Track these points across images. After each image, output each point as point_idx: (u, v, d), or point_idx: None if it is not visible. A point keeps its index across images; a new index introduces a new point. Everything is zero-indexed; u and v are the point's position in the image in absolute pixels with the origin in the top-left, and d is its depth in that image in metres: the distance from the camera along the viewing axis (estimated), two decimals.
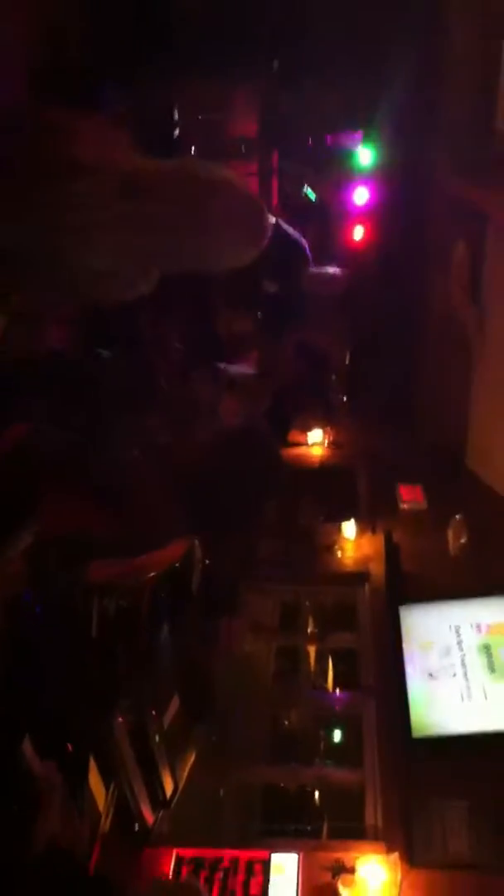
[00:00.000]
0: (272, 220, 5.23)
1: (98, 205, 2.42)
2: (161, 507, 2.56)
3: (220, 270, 3.12)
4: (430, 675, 5.40)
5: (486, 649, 5.44)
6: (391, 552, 6.34)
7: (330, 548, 6.71)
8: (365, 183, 7.04)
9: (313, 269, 5.57)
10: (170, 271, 2.78)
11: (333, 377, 7.88)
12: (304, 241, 5.47)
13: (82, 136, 2.47)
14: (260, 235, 2.93)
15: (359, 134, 7.22)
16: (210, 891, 4.17)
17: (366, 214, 7.03)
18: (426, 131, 6.59)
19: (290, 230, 5.41)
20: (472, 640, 5.51)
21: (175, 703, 4.38)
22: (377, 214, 7.06)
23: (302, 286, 5.46)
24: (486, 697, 5.21)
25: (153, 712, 4.06)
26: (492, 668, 5.34)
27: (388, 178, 7.05)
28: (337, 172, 7.32)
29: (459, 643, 5.52)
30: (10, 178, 2.31)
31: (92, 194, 2.41)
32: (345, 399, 8.39)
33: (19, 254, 2.37)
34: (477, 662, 5.39)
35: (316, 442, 7.83)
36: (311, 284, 5.51)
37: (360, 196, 7.01)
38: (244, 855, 4.42)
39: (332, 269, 5.68)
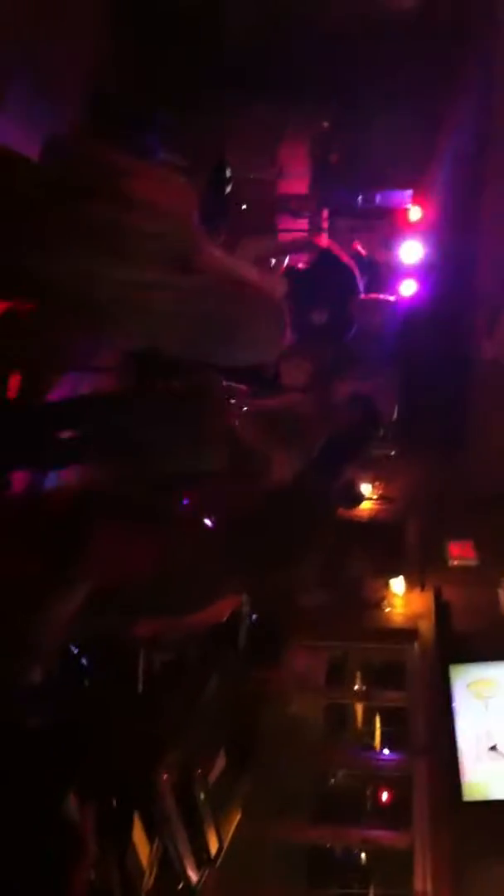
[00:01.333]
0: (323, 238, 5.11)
1: (152, 263, 2.45)
2: (209, 562, 2.56)
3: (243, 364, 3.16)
4: (478, 736, 5.29)
5: None
6: (441, 609, 6.24)
7: (378, 603, 6.64)
8: (415, 238, 7.07)
9: (363, 296, 5.47)
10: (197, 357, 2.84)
11: (382, 431, 7.86)
12: (354, 268, 5.39)
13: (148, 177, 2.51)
14: (279, 338, 2.96)
15: (408, 190, 7.28)
16: None
17: (415, 270, 7.04)
18: (475, 186, 6.62)
19: (341, 255, 5.33)
20: None
21: (221, 759, 4.34)
22: (427, 269, 7.06)
23: (351, 312, 5.35)
24: None
25: (199, 770, 4.02)
26: None
27: (438, 233, 7.07)
28: (387, 229, 7.37)
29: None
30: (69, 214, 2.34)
31: (154, 250, 2.43)
32: (393, 453, 8.36)
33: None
34: None
35: (365, 496, 7.78)
36: (361, 311, 5.40)
37: (410, 251, 7.03)
38: None
39: (382, 296, 5.59)
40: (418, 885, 4.76)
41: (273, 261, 5.10)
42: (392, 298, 5.67)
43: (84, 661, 3.56)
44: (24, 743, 3.15)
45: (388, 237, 7.34)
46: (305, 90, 6.62)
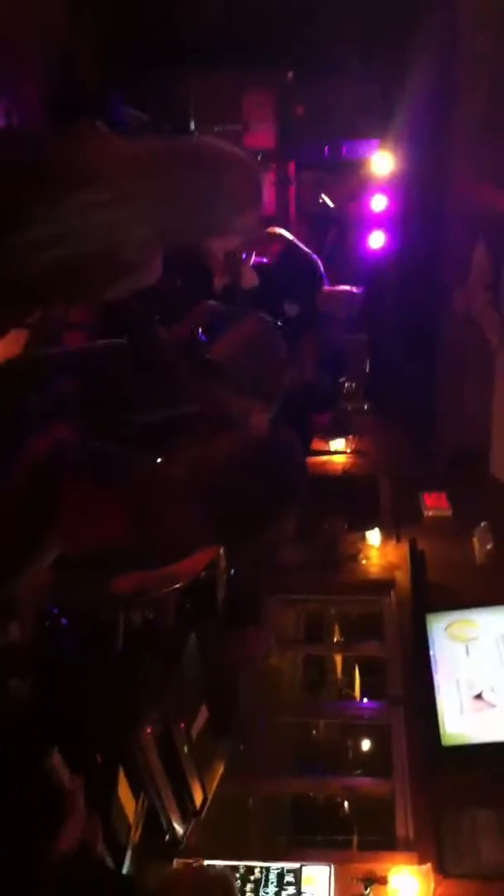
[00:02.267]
0: (282, 231, 5.25)
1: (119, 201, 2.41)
2: (183, 517, 2.55)
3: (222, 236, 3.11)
4: (458, 682, 5.35)
5: None
6: (416, 560, 6.29)
7: (354, 557, 6.68)
8: (382, 190, 7.04)
9: (328, 288, 5.54)
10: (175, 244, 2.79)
11: (353, 385, 7.88)
12: (317, 260, 5.45)
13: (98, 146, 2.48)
14: (258, 196, 2.92)
15: (375, 141, 7.23)
16: None
17: (384, 221, 7.02)
18: (443, 135, 6.57)
19: (303, 248, 5.40)
20: (499, 648, 5.47)
21: (203, 715, 4.36)
22: (395, 220, 7.04)
23: (317, 305, 5.43)
24: None
25: (181, 724, 4.05)
26: None
27: (405, 183, 7.04)
28: (354, 180, 7.33)
29: (487, 651, 5.47)
30: (38, 187, 2.30)
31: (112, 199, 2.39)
32: (366, 407, 8.38)
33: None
34: None
35: (338, 450, 7.82)
36: (327, 304, 5.48)
37: (378, 203, 7.00)
38: (275, 866, 4.38)
39: (347, 288, 5.65)
40: (400, 830, 4.83)
41: (243, 255, 5.08)
42: (357, 291, 5.72)
43: (63, 620, 3.55)
44: (5, 702, 3.16)
45: (356, 189, 7.31)
46: (268, 43, 6.56)
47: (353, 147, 7.36)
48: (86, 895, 2.90)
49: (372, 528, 6.81)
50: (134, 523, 2.46)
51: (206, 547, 2.77)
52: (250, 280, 4.74)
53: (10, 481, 2.47)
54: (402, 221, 7.13)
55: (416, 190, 7.10)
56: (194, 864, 4.04)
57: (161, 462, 2.82)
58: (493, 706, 5.21)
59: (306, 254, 5.28)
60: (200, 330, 3.77)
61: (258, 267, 5.10)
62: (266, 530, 2.82)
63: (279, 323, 4.78)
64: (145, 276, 2.66)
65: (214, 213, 2.71)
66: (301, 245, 5.27)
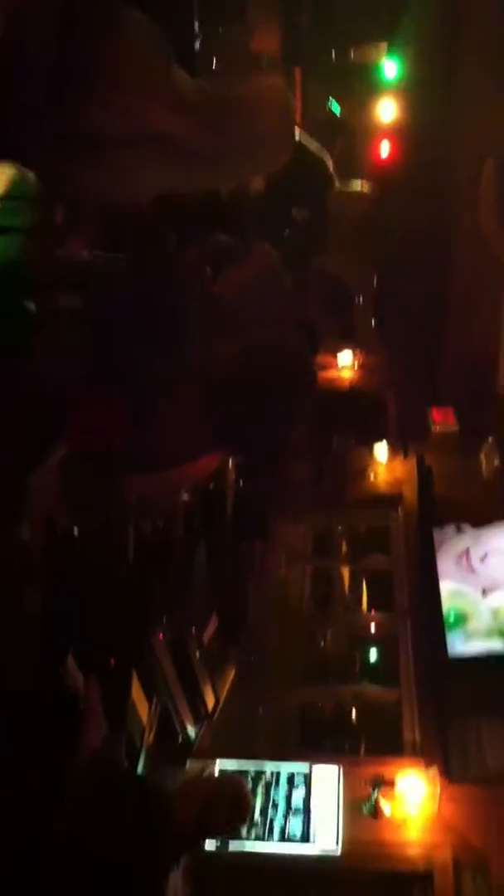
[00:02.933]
0: (296, 134, 5.07)
1: (140, 118, 2.39)
2: (190, 421, 2.54)
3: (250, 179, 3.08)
4: (462, 593, 5.39)
5: None
6: (424, 475, 6.31)
7: (362, 472, 6.70)
8: (391, 97, 6.86)
9: (338, 188, 5.39)
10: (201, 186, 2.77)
11: (360, 300, 7.80)
12: (328, 159, 5.30)
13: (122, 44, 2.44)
14: (286, 142, 2.91)
15: (383, 46, 7.02)
16: (254, 803, 4.22)
17: (392, 130, 6.86)
18: (452, 38, 6.38)
19: (313, 147, 5.25)
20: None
21: (213, 622, 4.43)
22: (403, 129, 6.87)
23: (326, 206, 5.30)
24: None
25: (192, 630, 4.11)
26: None
27: (414, 89, 6.86)
28: (362, 87, 7.14)
29: (493, 564, 5.49)
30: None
31: (135, 106, 2.36)
32: (374, 323, 8.31)
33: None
34: None
35: (345, 366, 7.76)
36: (337, 203, 5.33)
37: (386, 111, 6.83)
38: (286, 767, 4.47)
39: (357, 186, 5.50)
40: (407, 736, 4.92)
41: None
42: (367, 189, 5.55)
43: (74, 531, 3.58)
44: (19, 608, 3.19)
45: (364, 95, 7.13)
46: None
47: (360, 51, 7.16)
48: (105, 797, 2.96)
49: (379, 443, 6.79)
50: (140, 426, 2.45)
51: (213, 450, 2.76)
52: (256, 184, 4.59)
53: (15, 385, 2.45)
54: (411, 129, 6.95)
55: (425, 97, 6.92)
56: (207, 772, 4.12)
57: (166, 365, 2.79)
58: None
59: (315, 153, 5.09)
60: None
61: None
62: (273, 435, 2.80)
63: (287, 231, 4.71)
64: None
65: (252, 159, 2.70)
66: (311, 143, 5.07)
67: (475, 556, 5.47)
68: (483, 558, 5.45)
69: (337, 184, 5.39)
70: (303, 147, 5.11)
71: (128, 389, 2.52)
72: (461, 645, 5.18)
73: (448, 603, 5.33)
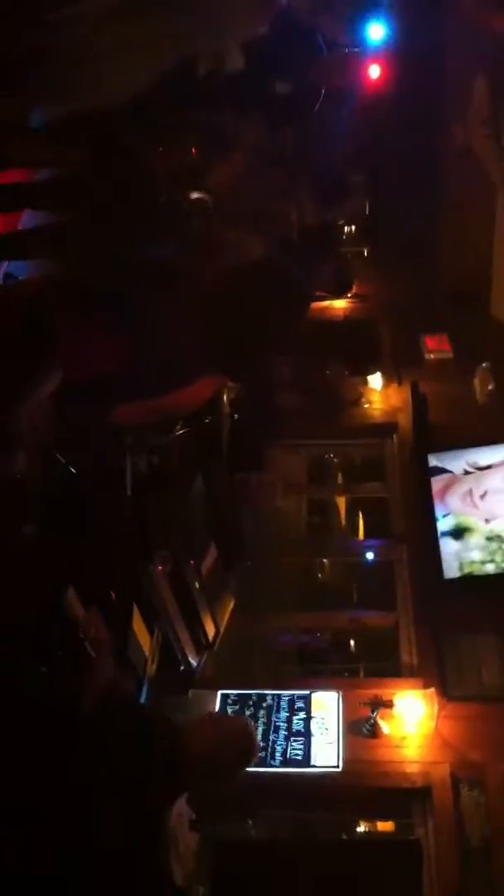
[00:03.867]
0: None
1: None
2: (183, 344, 2.52)
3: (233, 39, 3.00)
4: (467, 516, 5.46)
5: None
6: (418, 402, 6.30)
7: (356, 401, 6.69)
8: (379, 15, 6.65)
9: (326, 57, 4.99)
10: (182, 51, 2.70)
11: (353, 228, 7.72)
12: (315, 28, 4.89)
13: None
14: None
15: None
16: (255, 727, 4.33)
17: (381, 52, 6.67)
18: None
19: (299, 16, 4.80)
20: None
21: (212, 553, 4.48)
22: (394, 50, 6.69)
23: (313, 79, 4.90)
24: None
25: (191, 561, 4.15)
26: None
27: (404, 10, 6.66)
28: (349, 7, 6.92)
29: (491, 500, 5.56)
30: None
31: None
32: (366, 253, 8.23)
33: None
34: None
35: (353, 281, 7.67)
36: (324, 74, 4.91)
37: (376, 32, 6.64)
38: (287, 693, 4.57)
39: (347, 53, 5.16)
40: (404, 658, 5.03)
41: None
42: (357, 50, 5.17)
43: (71, 468, 3.59)
44: (19, 543, 3.22)
45: (352, 16, 6.91)
46: None
47: None
48: (117, 727, 3.01)
49: (373, 372, 6.79)
50: (131, 348, 2.44)
51: (206, 374, 2.73)
52: (235, 61, 4.16)
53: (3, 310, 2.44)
54: (400, 51, 6.78)
55: (413, 16, 6.73)
56: (213, 716, 4.18)
57: (160, 284, 2.76)
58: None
59: (301, 22, 4.59)
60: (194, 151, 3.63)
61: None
62: (266, 351, 2.79)
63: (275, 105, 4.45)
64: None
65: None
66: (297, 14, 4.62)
67: (476, 494, 5.55)
68: (483, 496, 5.54)
69: (323, 51, 4.95)
70: (287, 15, 4.64)
71: (120, 315, 2.51)
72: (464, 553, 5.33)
73: (453, 520, 5.43)
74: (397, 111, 7.25)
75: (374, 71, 6.64)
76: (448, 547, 5.34)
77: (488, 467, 5.66)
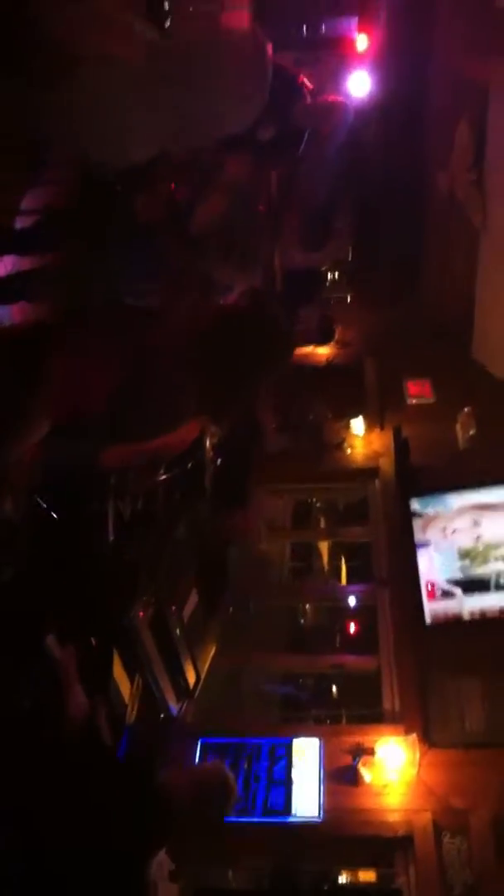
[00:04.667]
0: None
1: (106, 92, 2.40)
2: (169, 381, 2.54)
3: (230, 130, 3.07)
4: (438, 553, 5.46)
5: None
6: (400, 446, 6.32)
7: (339, 445, 6.72)
8: (363, 70, 6.81)
9: (310, 101, 5.06)
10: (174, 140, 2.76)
11: (336, 275, 7.81)
12: (301, 75, 4.98)
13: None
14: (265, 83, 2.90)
15: (354, 18, 6.98)
16: (236, 776, 4.28)
17: (366, 102, 6.82)
18: (423, 7, 6.34)
19: (282, 64, 4.88)
20: (481, 528, 5.56)
21: (194, 598, 4.46)
22: (376, 100, 6.84)
23: (296, 122, 4.96)
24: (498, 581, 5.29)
25: (173, 606, 4.14)
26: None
27: (386, 61, 6.82)
28: (334, 60, 7.08)
29: (470, 530, 5.56)
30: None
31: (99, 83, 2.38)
32: (349, 299, 8.32)
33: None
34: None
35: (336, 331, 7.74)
36: (308, 118, 4.97)
37: (359, 84, 6.79)
38: (267, 741, 4.54)
39: (331, 98, 5.23)
40: (387, 703, 4.99)
41: None
42: (342, 99, 5.25)
43: (54, 512, 3.59)
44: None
45: (336, 69, 7.07)
46: None
47: (332, 25, 7.12)
48: (92, 777, 2.99)
49: (357, 416, 6.82)
50: (121, 392, 2.45)
51: (191, 418, 2.75)
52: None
53: None
54: (384, 101, 6.93)
55: (396, 68, 6.89)
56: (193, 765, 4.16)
57: (146, 327, 2.79)
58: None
59: (283, 67, 4.71)
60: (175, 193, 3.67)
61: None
62: (249, 393, 2.81)
63: (258, 151, 4.50)
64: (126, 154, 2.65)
65: (224, 113, 2.68)
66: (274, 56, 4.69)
67: (448, 531, 5.59)
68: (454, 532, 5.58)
69: (306, 95, 5.01)
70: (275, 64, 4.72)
71: (109, 353, 2.53)
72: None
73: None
74: (381, 156, 7.38)
75: (359, 117, 6.80)
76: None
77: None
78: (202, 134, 2.85)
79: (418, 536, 5.58)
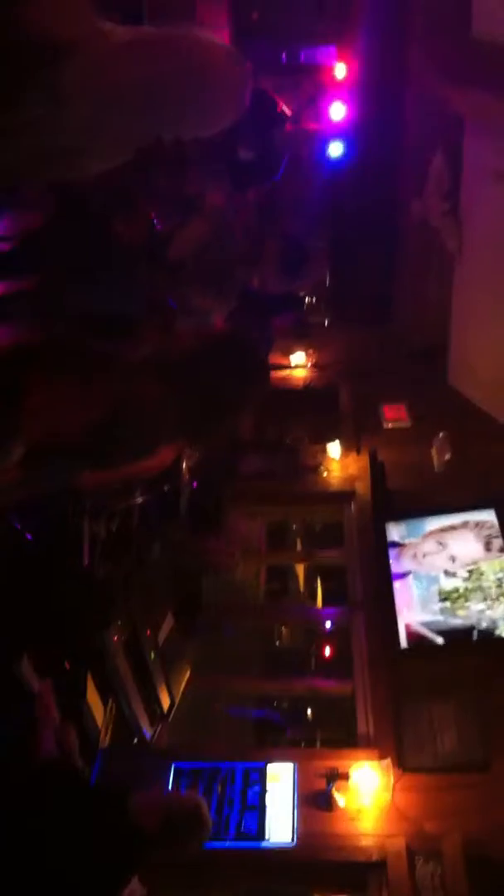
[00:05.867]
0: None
1: (69, 81, 2.39)
2: (147, 406, 2.55)
3: (203, 133, 3.08)
4: (413, 577, 5.48)
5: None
6: (376, 470, 6.37)
7: (316, 468, 6.74)
8: (340, 97, 6.90)
9: (291, 127, 5.13)
10: (146, 140, 2.75)
11: (313, 299, 7.86)
12: (280, 101, 5.07)
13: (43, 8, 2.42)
14: (242, 94, 2.90)
15: (332, 46, 7.07)
16: (209, 801, 4.27)
17: (342, 129, 6.90)
18: (399, 38, 6.43)
19: (263, 87, 4.98)
20: (452, 552, 5.60)
21: (169, 621, 4.46)
22: (353, 128, 6.92)
23: (276, 147, 5.06)
24: (466, 602, 5.31)
25: (148, 630, 4.14)
26: (471, 578, 5.43)
27: (363, 90, 6.91)
28: (312, 87, 7.17)
29: (441, 554, 5.60)
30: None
31: (62, 75, 2.37)
32: (326, 323, 8.38)
33: None
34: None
35: (299, 364, 7.84)
36: (288, 143, 5.02)
37: (337, 111, 6.88)
38: (241, 765, 4.52)
39: (311, 126, 5.30)
40: (361, 727, 4.99)
41: None
42: (318, 126, 5.32)
43: (28, 535, 3.59)
44: None
45: (314, 96, 7.15)
46: None
47: (310, 53, 7.21)
48: (62, 804, 2.98)
49: (333, 440, 6.86)
50: (97, 416, 2.46)
51: (168, 444, 2.77)
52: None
53: None
54: (360, 129, 7.01)
55: (373, 96, 6.98)
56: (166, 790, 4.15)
57: (123, 351, 2.80)
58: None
59: (263, 91, 4.77)
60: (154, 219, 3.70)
61: None
62: (226, 420, 2.83)
63: (237, 172, 4.55)
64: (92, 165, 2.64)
65: (196, 114, 2.68)
66: (264, 88, 4.80)
67: (419, 556, 5.62)
68: (424, 556, 5.62)
69: (287, 119, 5.09)
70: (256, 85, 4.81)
71: (86, 377, 2.53)
72: None
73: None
74: (357, 183, 7.46)
75: (336, 148, 6.90)
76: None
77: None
78: (167, 136, 2.84)
79: (395, 567, 5.61)
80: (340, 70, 7.01)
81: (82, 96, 2.44)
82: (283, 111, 4.86)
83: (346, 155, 7.15)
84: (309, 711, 5.79)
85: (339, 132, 6.87)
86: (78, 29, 2.45)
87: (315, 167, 5.42)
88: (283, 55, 7.21)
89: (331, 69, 6.99)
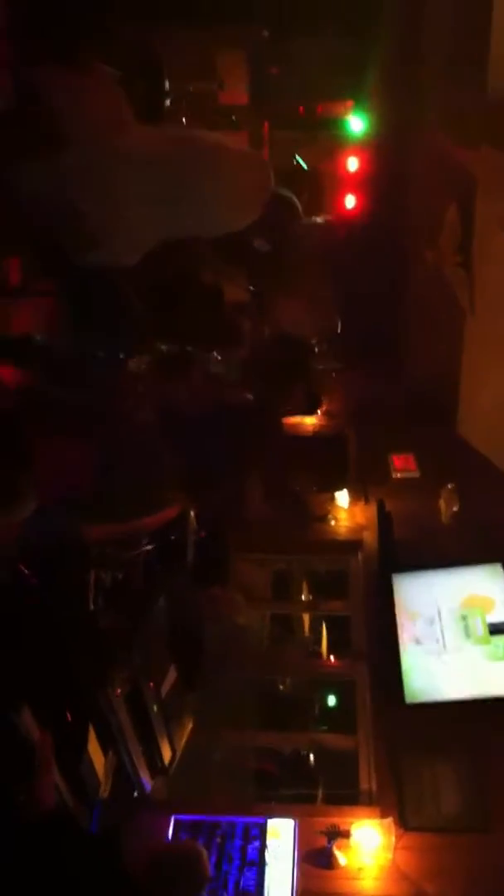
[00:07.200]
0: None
1: (95, 175, 2.45)
2: (152, 464, 2.58)
3: (219, 233, 3.14)
4: (417, 642, 5.45)
5: (464, 619, 5.49)
6: (384, 521, 6.36)
7: (323, 517, 6.74)
8: (356, 151, 7.01)
9: (303, 221, 5.33)
10: (169, 238, 2.82)
11: (325, 346, 7.90)
12: (294, 199, 5.27)
13: (75, 99, 2.50)
14: (263, 196, 2.97)
15: (349, 102, 7.19)
16: (209, 855, 4.22)
17: (357, 182, 6.99)
18: (416, 95, 6.53)
19: (282, 190, 5.20)
20: (451, 609, 5.58)
21: (172, 673, 4.44)
22: (368, 181, 7.01)
23: (291, 239, 5.24)
24: (466, 664, 5.28)
25: (151, 683, 4.12)
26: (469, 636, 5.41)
27: (379, 144, 7.01)
28: (328, 141, 7.28)
29: (440, 612, 5.57)
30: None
31: (88, 165, 2.43)
32: (334, 375, 8.42)
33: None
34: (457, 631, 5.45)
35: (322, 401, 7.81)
36: (302, 237, 5.23)
37: (351, 164, 6.98)
38: (241, 820, 4.48)
39: (320, 219, 5.45)
40: (363, 784, 4.96)
41: None
42: (324, 220, 5.52)
43: (34, 580, 3.60)
44: None
45: (330, 149, 7.27)
46: (241, 0, 6.47)
47: (328, 107, 7.33)
48: (59, 854, 2.96)
49: (341, 489, 6.86)
50: (104, 472, 2.49)
51: (175, 501, 2.82)
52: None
53: None
54: (375, 182, 7.10)
55: (387, 150, 7.08)
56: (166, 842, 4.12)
57: (130, 410, 2.85)
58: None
59: (283, 193, 5.01)
60: None
61: None
62: (233, 480, 2.86)
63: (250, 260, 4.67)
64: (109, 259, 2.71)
65: (221, 216, 2.76)
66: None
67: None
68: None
69: (302, 217, 5.30)
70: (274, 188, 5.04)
71: (93, 434, 2.57)
72: None
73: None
74: (371, 234, 7.54)
75: (350, 200, 6.99)
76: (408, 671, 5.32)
77: None
78: (190, 233, 2.92)
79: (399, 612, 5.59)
80: (356, 123, 7.12)
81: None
82: (298, 208, 5.02)
83: (361, 205, 7.24)
84: (311, 760, 5.73)
85: (354, 184, 6.97)
86: None
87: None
88: (301, 109, 7.33)
89: (347, 123, 7.10)
